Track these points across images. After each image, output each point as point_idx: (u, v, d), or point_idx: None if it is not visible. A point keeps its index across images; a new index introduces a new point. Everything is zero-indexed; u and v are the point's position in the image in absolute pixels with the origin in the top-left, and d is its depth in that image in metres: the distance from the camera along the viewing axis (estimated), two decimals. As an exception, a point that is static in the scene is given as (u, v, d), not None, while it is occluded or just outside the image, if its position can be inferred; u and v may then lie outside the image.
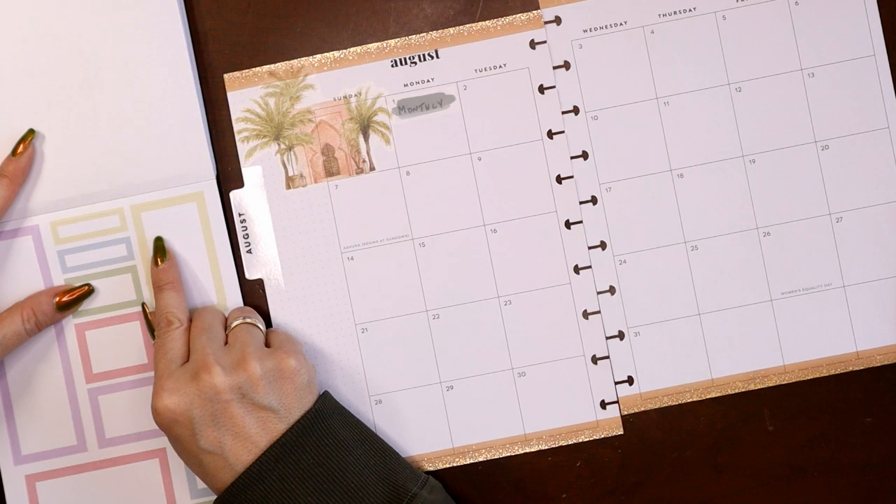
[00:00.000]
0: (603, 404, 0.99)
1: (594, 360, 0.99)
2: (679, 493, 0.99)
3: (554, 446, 0.98)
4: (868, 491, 0.99)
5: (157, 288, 0.96)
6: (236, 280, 0.99)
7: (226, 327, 0.94)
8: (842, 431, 0.99)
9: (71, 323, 0.98)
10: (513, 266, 0.99)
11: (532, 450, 0.98)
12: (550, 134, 0.99)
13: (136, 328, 0.99)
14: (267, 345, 0.94)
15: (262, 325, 0.95)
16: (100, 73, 0.98)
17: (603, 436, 0.99)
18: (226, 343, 0.92)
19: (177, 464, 0.98)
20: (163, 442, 0.98)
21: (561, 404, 0.99)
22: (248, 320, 0.94)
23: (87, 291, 0.98)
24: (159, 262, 0.96)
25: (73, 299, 0.97)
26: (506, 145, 0.99)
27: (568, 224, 0.99)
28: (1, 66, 0.98)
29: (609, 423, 0.99)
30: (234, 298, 0.99)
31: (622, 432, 0.99)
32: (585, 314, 0.99)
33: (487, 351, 0.99)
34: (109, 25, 0.97)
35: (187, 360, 0.91)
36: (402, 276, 0.99)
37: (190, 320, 0.94)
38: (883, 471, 0.99)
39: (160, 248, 0.97)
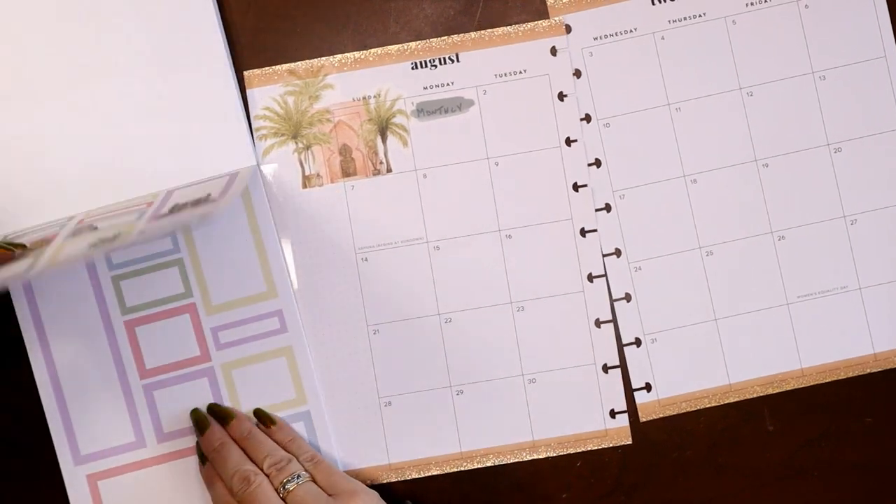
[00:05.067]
0: (612, 413, 0.99)
1: (605, 368, 0.99)
2: (679, 494, 0.99)
3: (563, 454, 0.99)
4: (868, 491, 0.99)
5: (215, 453, 0.95)
6: (284, 266, 0.98)
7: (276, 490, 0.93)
8: (842, 431, 0.99)
9: (120, 319, 0.98)
10: (527, 272, 0.99)
11: (540, 457, 0.98)
12: (568, 141, 0.99)
13: (187, 321, 0.98)
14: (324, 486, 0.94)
15: (303, 471, 0.93)
16: (141, 66, 0.97)
17: (611, 445, 0.99)
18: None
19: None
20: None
21: (570, 412, 0.99)
22: (300, 478, 0.92)
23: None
24: (203, 430, 0.97)
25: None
26: (523, 151, 0.99)
27: (583, 232, 0.99)
28: (38, 62, 0.98)
29: (618, 433, 0.99)
30: (283, 285, 0.98)
31: (630, 442, 0.99)
32: (598, 323, 0.99)
33: (498, 356, 0.99)
34: (146, 19, 0.97)
35: None
36: (416, 278, 0.99)
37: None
38: (883, 471, 0.99)
39: (197, 420, 0.98)
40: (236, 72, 0.99)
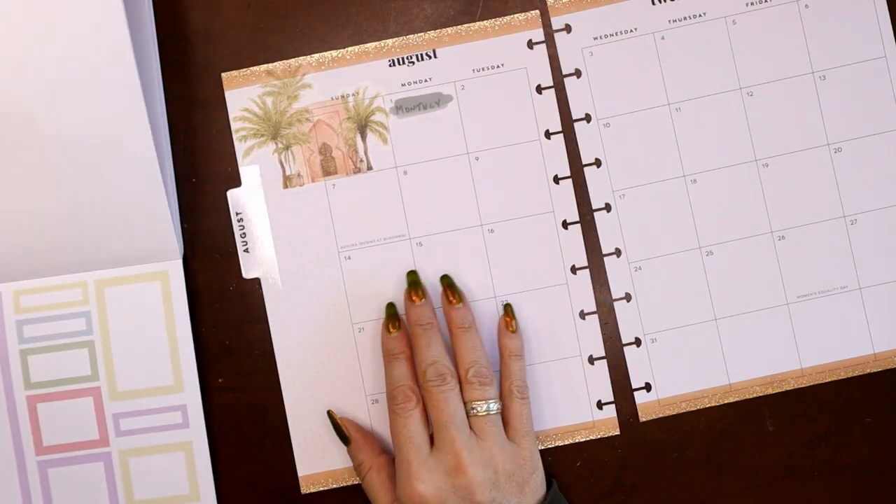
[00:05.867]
0: (600, 404, 0.99)
1: (591, 360, 0.99)
2: (679, 493, 0.99)
3: (550, 446, 0.98)
4: (868, 491, 0.99)
5: (391, 357, 0.95)
6: (194, 363, 0.98)
7: (464, 402, 0.93)
8: (842, 431, 0.99)
9: (23, 393, 0.97)
10: (510, 266, 0.99)
11: None
12: (548, 134, 0.99)
13: (89, 404, 0.98)
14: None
15: (498, 401, 0.94)
16: (68, 148, 0.96)
17: (599, 436, 0.99)
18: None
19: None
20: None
21: (557, 404, 0.99)
22: (493, 408, 0.93)
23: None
24: (391, 330, 0.96)
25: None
26: (503, 145, 0.99)
27: (565, 224, 0.99)
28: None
29: (606, 424, 0.99)
30: (190, 381, 0.98)
31: (619, 433, 0.99)
32: (582, 314, 0.99)
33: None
34: (73, 98, 0.95)
35: (430, 442, 0.92)
36: (399, 275, 0.99)
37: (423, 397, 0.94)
38: (883, 471, 0.99)
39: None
40: (218, 73, 0.99)
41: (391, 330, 0.96)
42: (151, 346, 0.98)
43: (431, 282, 0.99)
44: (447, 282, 0.97)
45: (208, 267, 0.99)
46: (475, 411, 0.92)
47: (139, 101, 0.94)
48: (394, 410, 0.92)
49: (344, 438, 0.97)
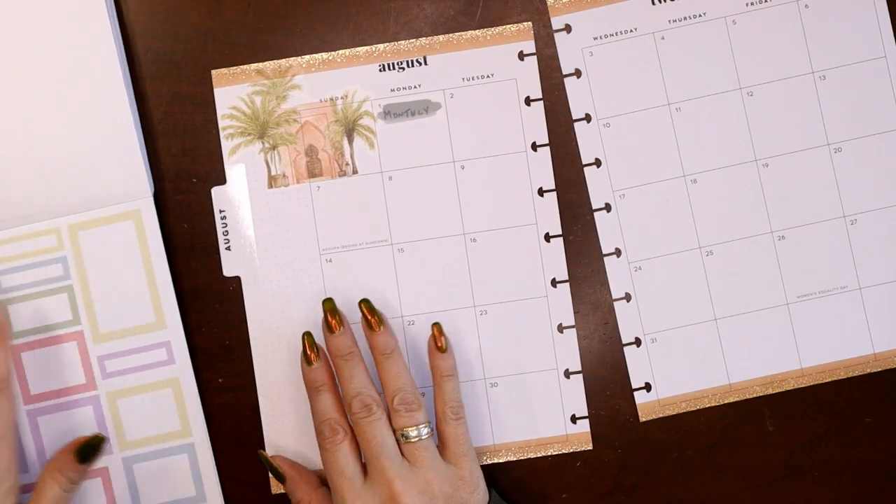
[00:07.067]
0: (573, 419, 0.99)
1: (567, 374, 0.99)
2: (679, 493, 0.99)
3: (522, 458, 0.98)
4: (868, 491, 0.99)
5: (314, 390, 0.94)
6: (174, 299, 0.98)
7: (394, 430, 0.92)
8: (842, 431, 0.99)
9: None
10: (490, 276, 0.99)
11: (500, 461, 0.99)
12: (535, 146, 0.99)
13: (73, 349, 0.98)
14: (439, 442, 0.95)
15: (429, 424, 0.93)
16: (32, 91, 0.96)
17: (572, 450, 0.99)
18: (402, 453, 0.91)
19: (120, 485, 0.98)
20: (104, 461, 0.98)
21: (531, 417, 0.99)
22: (423, 433, 0.91)
23: (99, 438, 0.95)
24: (311, 361, 0.94)
25: (88, 446, 0.94)
26: (489, 155, 0.99)
27: (548, 237, 0.99)
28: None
29: (579, 438, 0.99)
30: (172, 317, 0.98)
31: (591, 447, 0.99)
32: (560, 328, 0.99)
33: (461, 360, 0.99)
34: (39, 41, 0.96)
35: (363, 471, 0.91)
36: (380, 280, 0.99)
37: (351, 427, 0.93)
38: (883, 471, 0.99)
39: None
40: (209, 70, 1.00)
41: (311, 361, 0.94)
42: (130, 286, 0.98)
43: (411, 286, 0.99)
44: (367, 306, 0.95)
45: (209, 266, 0.99)
46: (406, 438, 0.90)
47: (108, 37, 0.96)
48: (322, 446, 0.91)
49: (279, 476, 0.96)
